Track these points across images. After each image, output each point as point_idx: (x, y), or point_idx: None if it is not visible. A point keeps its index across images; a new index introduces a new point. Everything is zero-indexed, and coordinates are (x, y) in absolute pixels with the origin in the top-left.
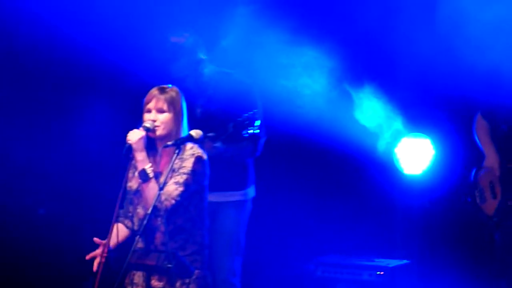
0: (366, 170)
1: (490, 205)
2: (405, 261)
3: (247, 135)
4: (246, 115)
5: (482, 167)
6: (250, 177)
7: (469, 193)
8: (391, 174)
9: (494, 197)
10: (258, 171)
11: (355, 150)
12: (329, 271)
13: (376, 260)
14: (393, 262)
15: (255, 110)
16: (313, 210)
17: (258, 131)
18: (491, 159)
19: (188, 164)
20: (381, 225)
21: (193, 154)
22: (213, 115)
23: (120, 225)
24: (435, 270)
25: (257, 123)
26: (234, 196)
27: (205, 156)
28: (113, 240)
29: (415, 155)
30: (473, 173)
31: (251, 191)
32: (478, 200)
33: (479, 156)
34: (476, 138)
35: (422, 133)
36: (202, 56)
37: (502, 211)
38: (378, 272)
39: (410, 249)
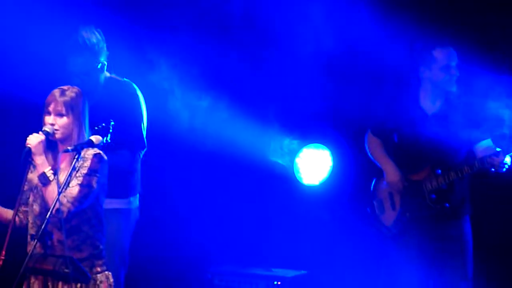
0: (265, 180)
1: (389, 216)
2: (302, 272)
3: (102, 144)
4: (103, 124)
5: (382, 178)
6: (134, 186)
7: (368, 204)
8: (289, 184)
9: (393, 208)
10: (152, 178)
11: (254, 160)
12: (227, 280)
13: (274, 270)
14: (290, 273)
15: (112, 123)
16: (211, 220)
17: (109, 141)
18: (391, 174)
19: (88, 163)
20: (279, 235)
21: (93, 154)
22: (98, 121)
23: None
24: (332, 281)
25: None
26: (115, 204)
27: (105, 156)
28: None
29: (314, 166)
30: (373, 184)
31: (135, 200)
32: (377, 211)
33: (378, 169)
34: (371, 156)
35: (321, 144)
36: (103, 59)
37: (400, 223)
38: (276, 282)
39: (307, 259)
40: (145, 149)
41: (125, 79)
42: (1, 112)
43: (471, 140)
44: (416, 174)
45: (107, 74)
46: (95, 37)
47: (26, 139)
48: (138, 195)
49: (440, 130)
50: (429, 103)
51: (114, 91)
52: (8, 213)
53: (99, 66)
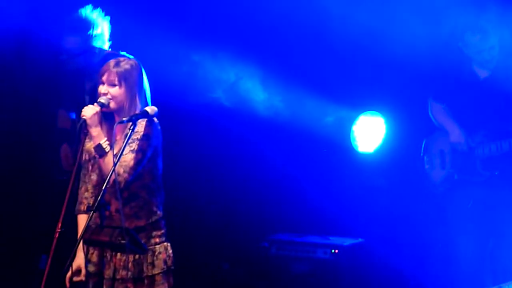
0: (319, 149)
1: (438, 174)
2: (359, 240)
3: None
4: None
5: (435, 135)
6: None
7: (419, 159)
8: (343, 153)
9: (443, 167)
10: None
11: (311, 129)
12: (284, 248)
13: (331, 238)
14: (347, 241)
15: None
16: (268, 188)
17: None
18: (456, 135)
19: (141, 128)
20: (335, 203)
21: (146, 120)
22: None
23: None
24: (390, 249)
25: None
26: None
27: (156, 120)
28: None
29: (370, 133)
30: (424, 141)
31: None
32: (427, 166)
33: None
34: (435, 121)
35: (376, 111)
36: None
37: (448, 183)
38: (333, 250)
39: (364, 227)
40: None
41: (123, 53)
42: None
43: None
44: (471, 138)
45: (105, 50)
46: (93, 18)
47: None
48: None
49: (491, 95)
50: (480, 69)
51: None
52: None
53: (92, 49)
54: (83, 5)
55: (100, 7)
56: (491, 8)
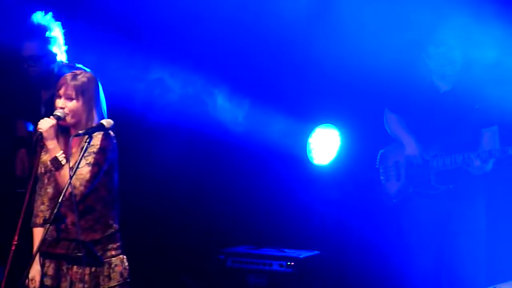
0: (274, 162)
1: (393, 186)
2: (315, 252)
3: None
4: None
5: (390, 147)
6: None
7: (374, 170)
8: (299, 165)
9: (398, 179)
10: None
11: (266, 141)
12: (240, 261)
13: (287, 250)
14: (303, 253)
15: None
16: (224, 201)
17: None
18: (411, 148)
19: (97, 142)
20: (291, 216)
21: (102, 133)
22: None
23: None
24: (345, 261)
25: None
26: None
27: (112, 133)
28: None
29: (325, 145)
30: (380, 152)
31: None
32: (382, 178)
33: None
34: (390, 132)
35: (331, 124)
36: (56, 46)
37: (402, 194)
38: (289, 263)
39: (320, 239)
40: None
41: (78, 65)
42: None
43: (480, 122)
44: (426, 152)
45: (62, 62)
46: (47, 22)
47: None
48: None
49: (450, 109)
50: (441, 82)
51: None
52: None
53: (50, 54)
54: (34, 11)
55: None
56: (457, 23)
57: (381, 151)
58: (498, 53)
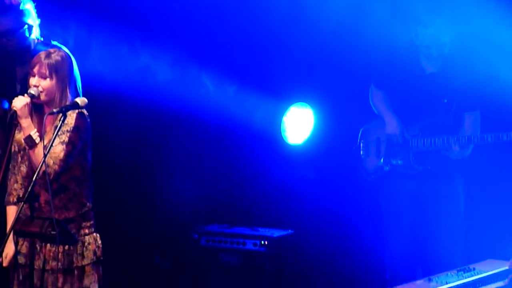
0: (248, 141)
1: (372, 162)
2: (289, 231)
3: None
4: None
5: (372, 123)
6: None
7: (355, 144)
8: (274, 144)
9: (378, 156)
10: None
11: (239, 120)
12: (213, 240)
13: (261, 229)
14: (277, 232)
15: None
16: (197, 180)
17: None
18: (392, 126)
19: (71, 120)
20: (265, 195)
21: (76, 112)
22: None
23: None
24: (319, 240)
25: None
26: None
27: (86, 112)
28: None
29: (299, 124)
30: (363, 128)
31: None
32: (362, 153)
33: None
34: (375, 108)
35: (305, 102)
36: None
37: (380, 171)
38: (263, 242)
39: (294, 219)
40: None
41: (54, 42)
42: None
43: (463, 106)
44: (407, 131)
45: (37, 39)
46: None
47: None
48: None
49: (434, 91)
50: (427, 63)
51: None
52: None
53: (25, 27)
54: None
55: None
56: (448, 6)
57: (363, 126)
58: (486, 38)
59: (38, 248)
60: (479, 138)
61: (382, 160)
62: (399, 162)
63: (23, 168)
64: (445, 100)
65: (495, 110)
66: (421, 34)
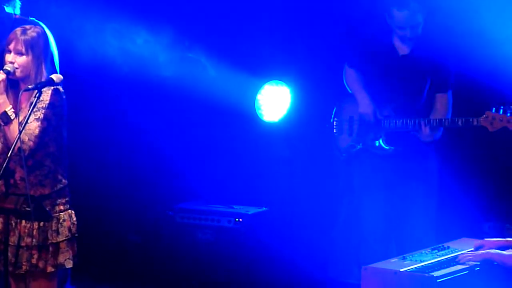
0: (223, 118)
1: (344, 140)
2: (264, 208)
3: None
4: None
5: (346, 101)
6: None
7: (328, 122)
8: (248, 122)
9: (350, 134)
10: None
11: (215, 98)
12: (188, 217)
13: (235, 207)
14: (251, 209)
15: None
16: (172, 158)
17: None
18: (365, 106)
19: (46, 97)
20: (240, 172)
21: (52, 89)
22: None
23: None
24: (294, 218)
25: None
26: None
27: (62, 89)
28: None
29: (275, 102)
30: (337, 105)
31: None
32: (335, 130)
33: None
34: (348, 87)
35: (281, 80)
36: None
37: (352, 150)
38: (237, 219)
39: (268, 196)
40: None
41: (31, 18)
42: None
43: (434, 88)
44: (379, 111)
45: (15, 14)
46: None
47: None
48: None
49: (407, 72)
50: (401, 44)
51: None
52: None
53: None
54: None
55: None
56: None
57: (337, 104)
58: (459, 19)
59: (13, 224)
60: (449, 121)
61: (354, 138)
62: (371, 142)
63: None
64: (417, 82)
65: (467, 93)
66: (395, 15)
